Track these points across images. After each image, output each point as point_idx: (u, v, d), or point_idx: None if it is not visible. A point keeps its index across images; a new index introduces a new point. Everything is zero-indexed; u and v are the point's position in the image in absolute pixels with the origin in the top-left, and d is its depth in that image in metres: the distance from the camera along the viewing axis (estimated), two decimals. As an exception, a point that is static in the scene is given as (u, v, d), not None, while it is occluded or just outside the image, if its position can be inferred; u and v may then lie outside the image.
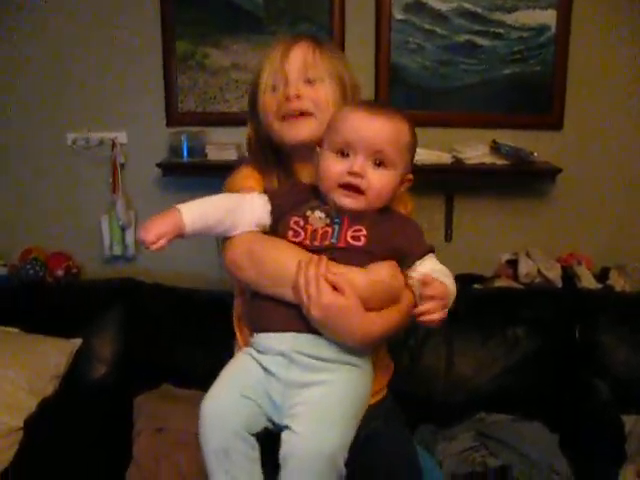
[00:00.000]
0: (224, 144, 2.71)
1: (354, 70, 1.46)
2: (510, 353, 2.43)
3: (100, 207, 2.90)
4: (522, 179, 2.78)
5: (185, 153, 2.70)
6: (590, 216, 2.84)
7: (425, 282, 1.20)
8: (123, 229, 2.88)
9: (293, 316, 1.18)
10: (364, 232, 1.22)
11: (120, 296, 2.68)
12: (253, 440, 1.18)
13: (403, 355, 2.44)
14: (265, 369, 1.19)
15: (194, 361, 2.49)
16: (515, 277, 2.72)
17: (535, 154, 2.60)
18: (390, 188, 1.26)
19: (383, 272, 1.22)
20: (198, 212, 1.24)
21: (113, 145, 2.83)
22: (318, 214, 1.24)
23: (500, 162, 2.64)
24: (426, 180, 2.71)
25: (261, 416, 1.18)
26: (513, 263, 2.74)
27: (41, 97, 2.85)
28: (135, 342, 2.61)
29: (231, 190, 1.36)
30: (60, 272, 2.88)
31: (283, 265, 1.21)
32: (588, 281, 2.67)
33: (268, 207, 1.27)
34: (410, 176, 1.33)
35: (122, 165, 2.85)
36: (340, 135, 1.23)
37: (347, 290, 1.17)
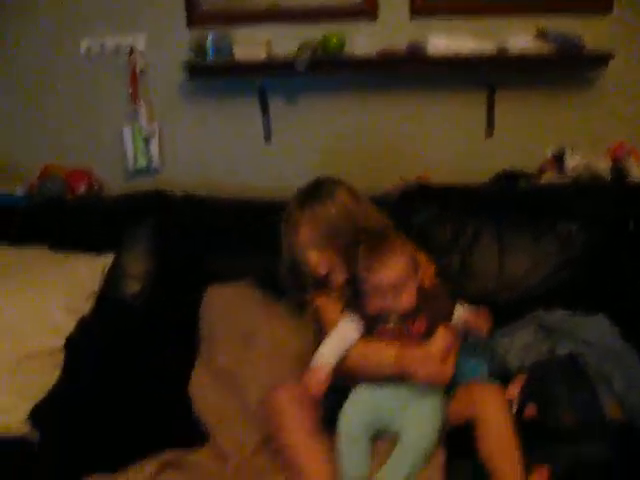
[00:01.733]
0: (252, 43, 2.55)
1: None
2: (563, 249, 2.34)
3: (121, 118, 2.77)
4: (569, 67, 2.64)
5: (211, 53, 2.53)
6: (639, 104, 2.71)
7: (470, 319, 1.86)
8: (146, 140, 2.74)
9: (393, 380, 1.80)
10: (423, 321, 1.84)
11: (149, 209, 2.57)
12: (369, 436, 1.77)
13: (453, 256, 2.36)
14: (379, 395, 1.81)
15: (232, 272, 2.40)
16: (561, 172, 2.61)
17: (584, 39, 2.46)
18: (412, 296, 1.84)
19: (443, 336, 1.83)
20: (333, 357, 1.80)
21: (131, 51, 2.67)
22: (390, 324, 1.84)
23: (546, 50, 2.50)
24: (467, 72, 2.69)
25: (376, 423, 1.79)
26: (558, 157, 2.63)
27: (51, 1, 2.67)
28: (168, 255, 2.51)
29: (323, 315, 1.98)
30: (81, 189, 2.76)
31: (384, 357, 1.81)
32: (638, 174, 2.56)
33: (360, 327, 1.86)
34: (432, 266, 2.05)
35: (141, 72, 2.71)
36: (370, 287, 1.84)
37: (432, 362, 1.78)
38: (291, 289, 2.09)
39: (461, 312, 1.88)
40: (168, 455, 1.77)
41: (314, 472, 1.70)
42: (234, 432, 1.87)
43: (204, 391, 2.02)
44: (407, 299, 1.82)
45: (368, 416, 1.78)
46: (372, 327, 1.86)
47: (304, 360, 1.85)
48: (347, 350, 1.83)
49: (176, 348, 2.24)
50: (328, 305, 1.98)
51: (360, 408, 1.80)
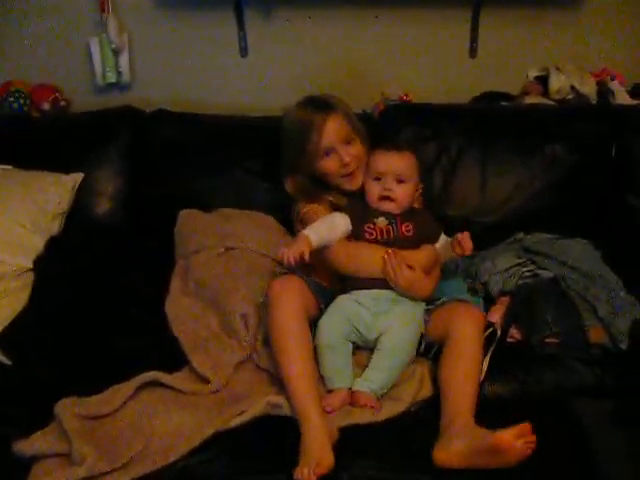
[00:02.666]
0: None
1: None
2: (547, 171, 2.31)
3: (88, 29, 2.61)
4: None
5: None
6: (625, 28, 2.66)
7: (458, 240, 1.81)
8: (116, 53, 2.60)
9: (377, 284, 1.83)
10: (411, 227, 1.89)
11: (120, 125, 2.47)
12: (348, 343, 1.79)
13: (436, 175, 2.32)
14: (359, 303, 1.81)
15: (208, 188, 2.36)
16: (545, 94, 2.57)
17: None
18: (409, 194, 1.90)
19: (430, 248, 1.90)
20: (317, 235, 1.77)
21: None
22: (381, 219, 1.88)
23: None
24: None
25: (353, 333, 1.79)
26: (543, 79, 2.59)
27: None
28: (140, 173, 2.43)
29: (311, 217, 1.97)
30: (46, 105, 2.63)
31: (372, 257, 1.84)
32: (622, 97, 2.54)
33: (349, 220, 1.87)
34: (420, 185, 1.97)
35: (111, -21, 2.53)
36: (374, 168, 1.91)
37: (417, 268, 1.83)
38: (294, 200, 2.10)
39: (444, 241, 1.90)
40: (145, 377, 1.71)
41: (299, 374, 1.67)
42: (213, 353, 1.81)
43: (180, 310, 1.96)
44: (406, 191, 1.88)
45: (345, 324, 1.78)
46: (362, 222, 1.88)
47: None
48: (334, 238, 1.84)
49: (151, 268, 2.17)
50: (319, 210, 1.99)
51: (337, 317, 1.79)
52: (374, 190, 1.89)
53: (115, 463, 1.54)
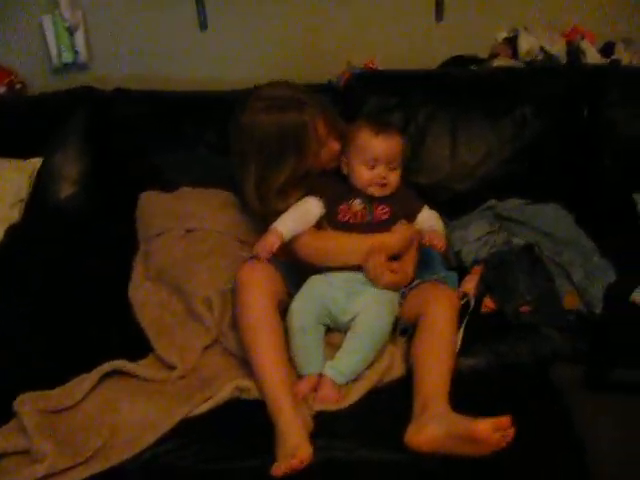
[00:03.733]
0: None
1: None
2: (518, 135, 2.26)
3: (41, 8, 2.51)
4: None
5: None
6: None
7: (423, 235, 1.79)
8: (71, 32, 2.50)
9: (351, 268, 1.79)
10: (387, 209, 1.82)
11: (78, 106, 2.38)
12: (321, 326, 1.74)
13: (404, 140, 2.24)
14: (332, 284, 1.77)
15: (172, 166, 2.30)
16: (515, 56, 2.52)
17: None
18: (399, 179, 1.83)
19: (402, 230, 1.82)
20: (287, 226, 1.76)
21: None
22: (357, 202, 1.82)
23: None
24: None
25: (326, 316, 1.75)
26: (511, 41, 2.53)
27: None
28: (102, 154, 2.36)
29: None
30: (2, 89, 2.54)
31: (342, 252, 1.81)
32: (593, 56, 2.49)
33: (321, 204, 1.82)
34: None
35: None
36: (368, 154, 1.79)
37: (400, 271, 1.80)
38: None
39: (426, 215, 1.86)
40: (108, 366, 1.65)
41: (270, 364, 1.62)
42: (178, 338, 1.76)
43: (144, 296, 1.90)
44: (397, 177, 1.82)
45: (318, 307, 1.73)
46: (335, 203, 1.83)
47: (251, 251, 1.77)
48: (305, 227, 1.80)
49: (116, 254, 2.10)
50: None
51: (309, 299, 1.75)
52: (365, 176, 1.80)
53: (78, 458, 1.48)
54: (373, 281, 1.76)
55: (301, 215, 1.81)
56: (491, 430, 1.40)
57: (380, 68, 2.53)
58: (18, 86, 2.58)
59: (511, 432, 1.42)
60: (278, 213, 1.80)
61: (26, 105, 2.46)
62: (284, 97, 1.79)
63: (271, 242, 1.70)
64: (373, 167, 1.79)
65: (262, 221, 1.85)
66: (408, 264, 1.83)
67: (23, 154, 2.28)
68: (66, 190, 2.33)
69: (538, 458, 1.50)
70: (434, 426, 1.47)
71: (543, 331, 1.77)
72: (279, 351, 1.65)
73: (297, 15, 2.58)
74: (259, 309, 1.66)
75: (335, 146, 1.85)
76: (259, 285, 1.67)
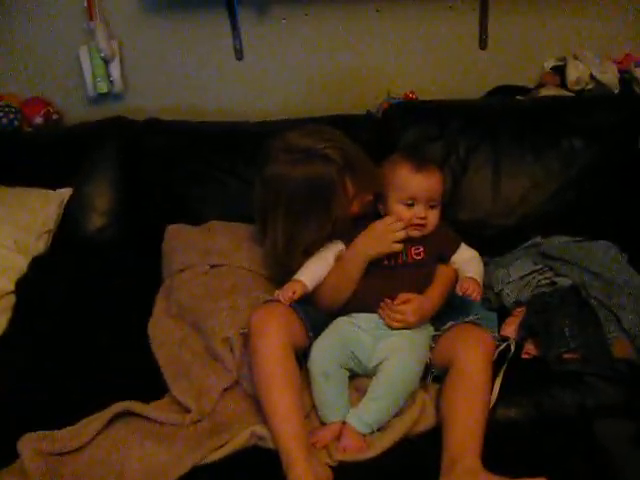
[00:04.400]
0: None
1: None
2: (566, 168, 2.13)
3: (77, 39, 2.49)
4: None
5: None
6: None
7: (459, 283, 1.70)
8: (106, 62, 2.48)
9: (376, 306, 1.70)
10: (422, 249, 1.75)
11: (111, 137, 2.35)
12: (344, 371, 1.63)
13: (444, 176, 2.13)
14: (359, 327, 1.68)
15: (202, 199, 2.23)
16: (563, 85, 2.39)
17: None
18: (438, 218, 1.76)
19: (418, 305, 1.69)
20: (311, 277, 1.69)
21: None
22: None
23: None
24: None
25: (351, 360, 1.64)
26: (560, 69, 2.41)
27: None
28: (132, 186, 2.31)
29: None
30: (39, 119, 2.52)
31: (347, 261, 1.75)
32: (647, 84, 2.32)
33: (342, 247, 1.76)
34: None
35: (97, -15, 2.42)
36: (407, 192, 1.72)
37: (411, 308, 1.66)
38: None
39: (466, 256, 1.79)
40: (118, 407, 1.56)
41: (283, 416, 1.51)
42: (196, 379, 1.66)
43: (164, 332, 1.82)
44: (436, 216, 1.75)
45: (342, 350, 1.64)
46: None
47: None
48: (328, 269, 1.74)
49: (142, 288, 2.03)
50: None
51: (333, 342, 1.65)
52: (404, 215, 1.72)
53: (79, 507, 1.40)
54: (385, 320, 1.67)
55: (319, 260, 1.74)
56: None
57: (420, 99, 2.45)
58: (55, 117, 2.56)
59: None
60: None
61: (58, 135, 2.44)
62: (310, 150, 1.67)
63: (292, 290, 1.63)
64: (412, 206, 1.72)
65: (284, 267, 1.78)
66: (429, 304, 1.71)
67: (54, 185, 2.23)
68: (95, 221, 2.28)
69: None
70: None
71: (589, 381, 1.63)
72: (293, 402, 1.53)
73: (335, 44, 2.51)
74: (272, 358, 1.55)
75: (368, 197, 1.77)
76: (273, 331, 1.57)
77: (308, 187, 1.66)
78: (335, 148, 1.68)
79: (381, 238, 1.71)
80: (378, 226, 1.72)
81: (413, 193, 1.71)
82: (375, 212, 1.80)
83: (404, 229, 1.72)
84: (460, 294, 1.67)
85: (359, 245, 1.72)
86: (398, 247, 1.71)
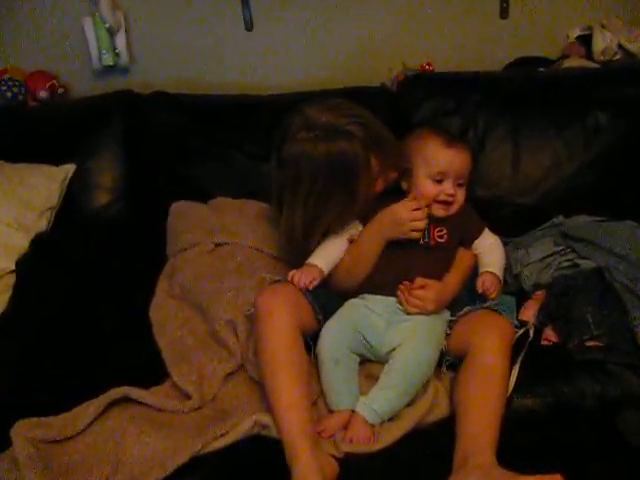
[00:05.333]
0: None
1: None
2: (590, 145, 2.05)
3: (81, 9, 2.40)
4: None
5: None
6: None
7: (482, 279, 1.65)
8: (111, 33, 2.39)
9: (393, 289, 1.61)
10: (445, 231, 1.67)
11: (116, 111, 2.27)
12: (355, 356, 1.57)
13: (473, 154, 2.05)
14: (372, 310, 1.60)
15: (209, 175, 2.17)
16: (589, 56, 2.31)
17: None
18: (465, 198, 1.68)
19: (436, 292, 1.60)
20: (326, 260, 1.64)
21: None
22: None
23: None
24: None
25: (362, 345, 1.57)
26: (585, 39, 2.33)
27: None
28: (138, 161, 2.24)
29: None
30: (44, 93, 2.44)
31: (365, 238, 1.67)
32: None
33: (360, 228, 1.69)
34: None
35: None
36: (437, 167, 1.64)
37: (430, 292, 1.58)
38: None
39: (487, 243, 1.72)
40: (116, 393, 1.50)
41: (288, 405, 1.44)
42: (198, 363, 1.59)
43: (166, 314, 1.75)
44: (463, 195, 1.68)
45: (353, 334, 1.57)
46: None
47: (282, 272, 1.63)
48: (343, 250, 1.67)
49: (147, 268, 1.96)
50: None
51: (343, 325, 1.58)
52: (431, 191, 1.65)
53: (73, 497, 1.34)
54: (403, 304, 1.60)
55: (340, 245, 1.67)
56: None
57: (437, 71, 2.37)
58: (60, 90, 2.49)
59: None
60: None
61: (63, 110, 2.37)
62: (332, 126, 1.57)
63: (312, 278, 1.57)
64: (440, 181, 1.65)
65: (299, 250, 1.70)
66: (448, 290, 1.64)
67: (58, 161, 2.17)
68: (99, 199, 2.21)
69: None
70: None
71: (613, 370, 1.55)
72: (299, 389, 1.46)
73: (348, 14, 2.43)
74: (278, 342, 1.48)
75: (392, 175, 1.68)
76: (280, 314, 1.50)
77: (331, 166, 1.56)
78: (358, 124, 1.58)
79: (401, 224, 1.62)
80: (400, 211, 1.62)
81: (443, 168, 1.63)
82: (396, 187, 1.71)
83: (428, 206, 1.64)
84: (480, 292, 1.61)
85: (377, 227, 1.64)
86: (416, 235, 1.63)
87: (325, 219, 1.61)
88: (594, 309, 1.60)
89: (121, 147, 2.23)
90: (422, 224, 1.62)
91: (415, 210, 1.62)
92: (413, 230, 1.61)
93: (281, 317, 1.49)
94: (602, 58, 2.27)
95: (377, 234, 1.64)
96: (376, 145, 1.60)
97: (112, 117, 2.25)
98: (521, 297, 1.78)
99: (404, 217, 1.61)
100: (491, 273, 1.65)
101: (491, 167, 2.06)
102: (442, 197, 1.64)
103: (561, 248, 1.81)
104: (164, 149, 2.22)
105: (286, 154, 1.61)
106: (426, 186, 1.65)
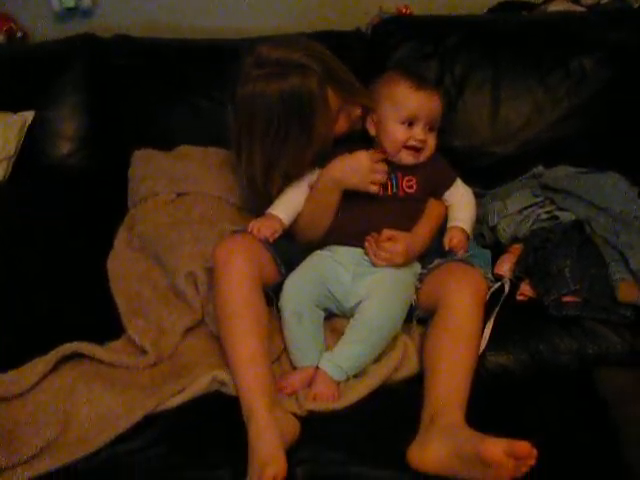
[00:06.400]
0: None
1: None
2: (574, 92, 1.94)
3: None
4: None
5: None
6: None
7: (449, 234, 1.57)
8: (71, -28, 2.27)
9: (360, 240, 1.53)
10: (415, 181, 1.59)
11: (78, 56, 2.14)
12: (320, 311, 1.52)
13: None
14: (338, 262, 1.53)
15: (173, 122, 2.07)
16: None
17: None
18: (435, 144, 1.60)
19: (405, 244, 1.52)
20: (286, 210, 1.56)
21: None
22: None
23: None
24: None
25: (327, 298, 1.52)
26: (572, -20, 2.19)
27: None
28: (101, 108, 2.13)
29: None
30: (1, 37, 2.32)
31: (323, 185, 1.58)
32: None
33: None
34: None
35: None
36: (407, 110, 1.55)
37: (399, 242, 1.50)
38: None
39: (458, 195, 1.64)
40: (66, 348, 1.42)
41: (245, 360, 1.38)
42: (156, 318, 1.52)
43: (123, 266, 1.67)
44: (434, 141, 1.60)
45: (317, 287, 1.51)
46: None
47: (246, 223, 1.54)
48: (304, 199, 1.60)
49: (105, 219, 1.87)
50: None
51: (307, 278, 1.52)
52: (400, 136, 1.56)
53: (18, 456, 1.28)
54: (370, 257, 1.52)
55: (300, 193, 1.59)
56: (503, 453, 1.13)
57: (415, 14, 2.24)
58: (19, 34, 2.36)
59: (530, 461, 1.13)
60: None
61: (22, 54, 2.24)
62: (285, 61, 1.48)
63: (273, 230, 1.51)
64: (410, 125, 1.56)
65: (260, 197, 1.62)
66: (418, 240, 1.55)
67: (15, 108, 2.05)
68: (60, 147, 2.11)
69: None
70: (439, 443, 1.22)
71: (590, 327, 1.50)
72: (256, 343, 1.39)
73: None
74: (236, 295, 1.42)
75: (356, 112, 1.58)
76: (238, 264, 1.43)
77: (285, 103, 1.46)
78: (312, 57, 1.49)
79: (361, 172, 1.53)
80: (362, 159, 1.53)
81: (413, 111, 1.54)
82: (362, 134, 1.62)
83: (399, 151, 1.56)
84: (446, 248, 1.53)
85: (335, 171, 1.54)
86: (374, 189, 1.54)
87: (283, 161, 1.52)
88: (572, 263, 1.52)
89: (83, 93, 2.12)
90: (382, 177, 1.54)
91: (378, 162, 1.53)
92: (372, 182, 1.53)
93: (239, 267, 1.42)
94: (589, 1, 2.15)
95: (333, 181, 1.55)
96: (333, 79, 1.50)
97: (73, 62, 2.13)
98: (497, 250, 1.70)
99: (364, 165, 1.53)
100: (460, 229, 1.57)
101: (469, 115, 1.97)
102: (412, 142, 1.56)
103: (540, 199, 1.72)
104: (127, 95, 2.11)
105: (239, 95, 1.51)
106: (395, 131, 1.56)
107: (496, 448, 1.13)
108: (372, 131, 1.60)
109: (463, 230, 1.57)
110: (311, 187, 1.58)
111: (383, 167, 1.54)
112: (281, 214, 1.55)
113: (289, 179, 1.56)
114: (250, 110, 1.49)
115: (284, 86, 1.45)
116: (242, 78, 1.51)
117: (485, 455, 1.13)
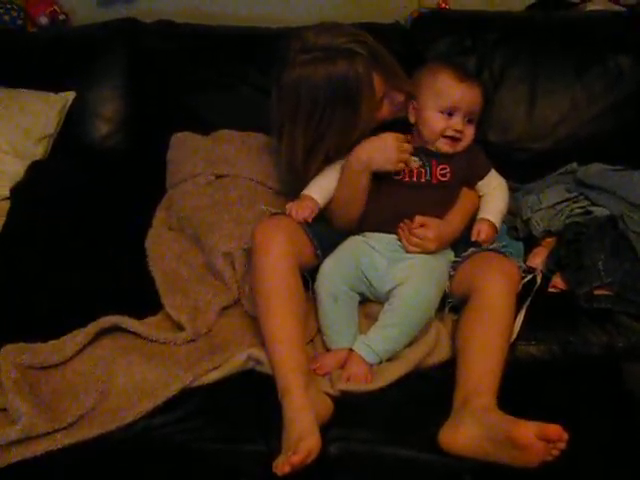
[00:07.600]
0: None
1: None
2: (610, 90, 1.97)
3: None
4: None
5: None
6: None
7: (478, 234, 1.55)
8: (115, -44, 2.31)
9: (394, 227, 1.56)
10: (449, 170, 1.59)
11: (119, 40, 2.18)
12: (355, 294, 1.54)
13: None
14: (373, 247, 1.54)
15: (213, 107, 2.09)
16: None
17: None
18: (473, 137, 1.60)
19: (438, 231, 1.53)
20: (320, 191, 1.57)
21: None
22: (414, 159, 1.57)
23: None
24: None
25: (362, 283, 1.53)
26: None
27: None
28: (141, 92, 2.16)
29: None
30: (44, 19, 2.36)
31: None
32: None
33: None
34: None
35: None
36: (447, 100, 1.55)
37: (430, 229, 1.51)
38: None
39: (491, 186, 1.63)
40: (106, 321, 1.45)
41: (281, 339, 1.40)
42: (193, 296, 1.55)
43: (162, 245, 1.70)
44: (472, 133, 1.60)
45: (353, 271, 1.52)
46: None
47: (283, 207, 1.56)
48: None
49: (144, 199, 1.91)
50: None
51: (344, 262, 1.53)
52: (438, 125, 1.56)
53: (58, 423, 1.31)
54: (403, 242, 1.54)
55: (334, 175, 1.59)
56: (534, 436, 1.16)
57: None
58: (61, 17, 2.40)
59: (561, 444, 1.15)
60: None
61: (64, 37, 2.27)
62: (331, 46, 1.48)
63: (310, 210, 1.52)
64: (450, 115, 1.56)
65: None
66: (449, 228, 1.56)
67: (57, 88, 2.09)
68: (99, 128, 2.14)
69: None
70: (471, 425, 1.24)
71: (621, 320, 1.51)
72: (293, 324, 1.42)
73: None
74: (275, 276, 1.44)
75: (398, 97, 1.58)
76: (277, 247, 1.45)
77: (332, 87, 1.47)
78: (358, 41, 1.49)
79: (387, 152, 1.52)
80: (388, 139, 1.53)
81: (454, 102, 1.55)
82: (404, 121, 1.62)
83: (437, 140, 1.57)
84: (473, 239, 1.54)
85: (362, 152, 1.53)
86: (401, 166, 1.54)
87: (326, 145, 1.53)
88: (606, 256, 1.54)
89: (123, 76, 2.15)
90: (407, 156, 1.54)
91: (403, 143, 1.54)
92: (400, 161, 1.53)
93: (278, 249, 1.44)
94: (629, 1, 2.16)
95: (359, 162, 1.53)
96: (378, 63, 1.51)
97: (114, 46, 2.17)
98: (530, 243, 1.72)
99: (390, 145, 1.52)
100: (488, 222, 1.56)
101: (506, 110, 1.99)
102: (449, 132, 1.56)
103: (574, 195, 1.74)
104: (167, 79, 2.14)
105: (286, 80, 1.51)
106: (435, 119, 1.56)
107: (528, 431, 1.15)
108: (412, 118, 1.61)
109: (492, 224, 1.57)
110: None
111: (408, 147, 1.55)
112: (315, 195, 1.56)
113: (329, 163, 1.58)
114: (296, 94, 1.50)
115: (332, 70, 1.46)
116: (288, 63, 1.51)
117: (516, 437, 1.15)
